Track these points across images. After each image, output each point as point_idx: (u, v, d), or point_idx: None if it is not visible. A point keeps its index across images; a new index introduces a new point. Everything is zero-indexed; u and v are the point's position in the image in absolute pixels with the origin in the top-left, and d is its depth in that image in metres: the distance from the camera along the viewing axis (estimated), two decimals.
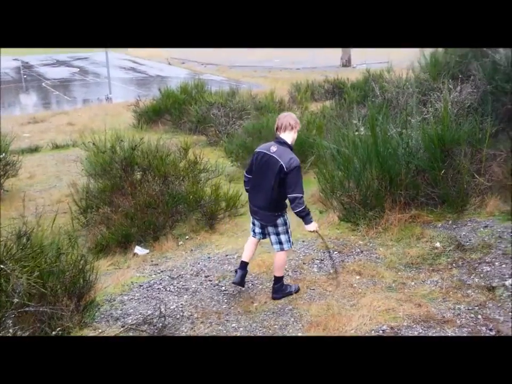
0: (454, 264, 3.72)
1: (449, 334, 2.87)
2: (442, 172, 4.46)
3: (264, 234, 3.74)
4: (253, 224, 3.77)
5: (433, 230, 4.33)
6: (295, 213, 3.48)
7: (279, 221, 3.59)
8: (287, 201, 3.56)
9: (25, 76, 24.65)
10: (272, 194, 3.49)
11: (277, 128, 3.61)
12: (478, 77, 5.57)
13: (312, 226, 3.55)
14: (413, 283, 3.58)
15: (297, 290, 3.70)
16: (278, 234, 3.62)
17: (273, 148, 3.52)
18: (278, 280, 3.66)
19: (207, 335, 3.17)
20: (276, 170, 3.43)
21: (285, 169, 3.40)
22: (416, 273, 3.73)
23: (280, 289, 3.66)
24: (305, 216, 3.49)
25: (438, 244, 4.05)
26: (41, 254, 2.60)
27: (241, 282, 3.70)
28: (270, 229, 3.64)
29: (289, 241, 3.67)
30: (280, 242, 3.62)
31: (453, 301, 3.24)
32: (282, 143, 3.55)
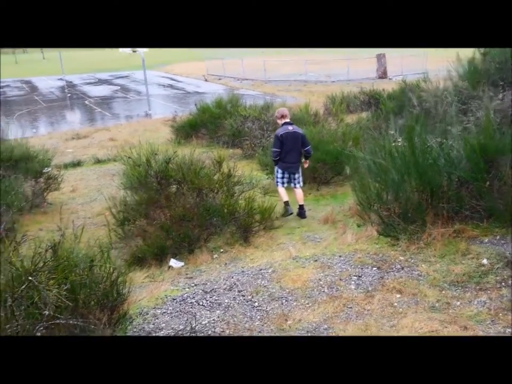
0: (503, 283, 3.46)
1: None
2: (487, 183, 4.20)
3: (289, 183, 6.67)
4: (283, 177, 6.62)
5: (479, 245, 4.07)
6: (309, 154, 6.66)
7: (299, 168, 6.66)
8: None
9: (69, 95, 25.77)
10: (300, 152, 6.53)
11: (285, 116, 6.60)
12: None
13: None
14: (458, 303, 3.35)
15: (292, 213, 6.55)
16: (299, 177, 6.65)
17: (290, 127, 6.45)
18: (302, 206, 6.50)
19: (207, 335, 3.09)
20: (300, 138, 6.45)
21: (303, 135, 6.54)
22: (462, 292, 3.49)
23: (303, 211, 6.48)
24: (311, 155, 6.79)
25: (485, 261, 3.79)
26: (69, 266, 2.60)
27: (290, 212, 6.48)
28: (296, 175, 6.62)
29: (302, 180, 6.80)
30: (299, 182, 6.67)
31: (502, 323, 2.99)
32: (292, 123, 6.61)
